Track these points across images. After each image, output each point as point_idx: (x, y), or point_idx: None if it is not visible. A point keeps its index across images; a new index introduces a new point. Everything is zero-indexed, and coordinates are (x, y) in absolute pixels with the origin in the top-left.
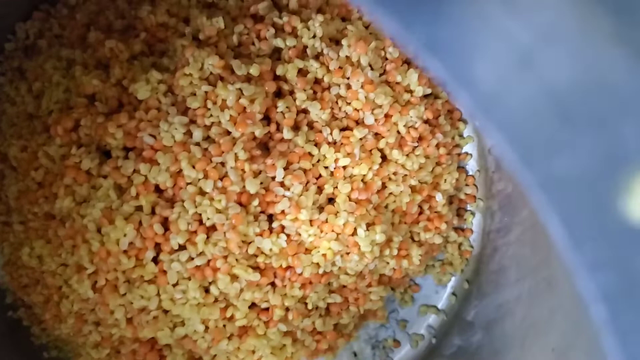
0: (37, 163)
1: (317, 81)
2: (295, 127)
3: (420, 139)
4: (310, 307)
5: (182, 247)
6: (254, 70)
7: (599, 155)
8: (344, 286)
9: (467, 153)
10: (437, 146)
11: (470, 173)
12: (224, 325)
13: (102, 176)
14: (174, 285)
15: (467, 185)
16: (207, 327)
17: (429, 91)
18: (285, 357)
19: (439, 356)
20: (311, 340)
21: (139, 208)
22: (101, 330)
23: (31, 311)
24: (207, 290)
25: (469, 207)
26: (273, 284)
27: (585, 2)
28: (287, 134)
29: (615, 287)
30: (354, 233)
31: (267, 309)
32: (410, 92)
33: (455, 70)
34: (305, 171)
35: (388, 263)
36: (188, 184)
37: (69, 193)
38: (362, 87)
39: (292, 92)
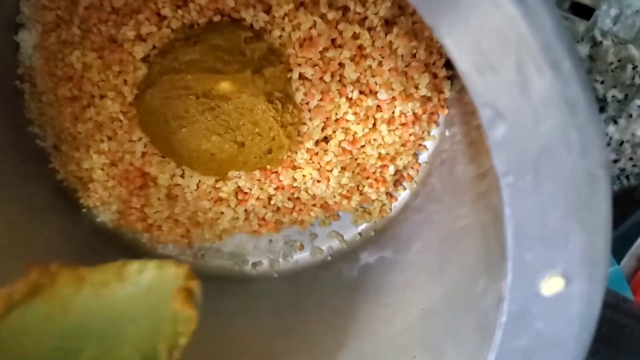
0: None
1: (361, 47)
2: (331, 75)
3: (403, 124)
4: (272, 203)
5: None
6: (330, 15)
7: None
8: (299, 198)
9: (425, 146)
10: (411, 134)
11: (419, 161)
12: (211, 190)
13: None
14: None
15: (412, 168)
16: (197, 187)
17: (429, 94)
18: (234, 226)
19: (324, 269)
20: (256, 223)
21: None
22: (110, 147)
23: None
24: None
25: (404, 183)
26: (259, 179)
27: None
28: (327, 76)
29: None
30: (331, 170)
31: (246, 193)
32: (417, 88)
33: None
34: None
35: (334, 197)
36: None
37: (137, 29)
38: (389, 69)
39: (341, 46)
